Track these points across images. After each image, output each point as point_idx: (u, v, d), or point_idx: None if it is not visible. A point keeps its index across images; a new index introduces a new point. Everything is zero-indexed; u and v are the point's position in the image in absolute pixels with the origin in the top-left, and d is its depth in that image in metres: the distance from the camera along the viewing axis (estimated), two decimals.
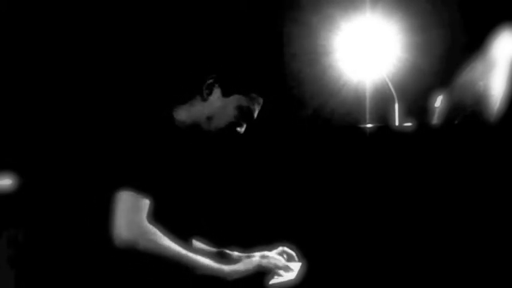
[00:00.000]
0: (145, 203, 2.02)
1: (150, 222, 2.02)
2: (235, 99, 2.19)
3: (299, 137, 3.21)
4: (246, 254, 2.31)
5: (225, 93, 2.18)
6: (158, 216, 2.05)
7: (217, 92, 2.19)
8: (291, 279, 2.18)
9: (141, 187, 2.02)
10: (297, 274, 2.22)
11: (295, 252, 2.33)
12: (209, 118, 2.19)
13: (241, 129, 2.22)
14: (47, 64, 3.97)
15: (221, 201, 3.08)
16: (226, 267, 2.11)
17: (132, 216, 1.99)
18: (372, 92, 8.97)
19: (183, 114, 2.21)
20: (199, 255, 2.09)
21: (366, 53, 8.54)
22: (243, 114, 2.20)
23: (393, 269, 2.78)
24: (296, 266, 2.27)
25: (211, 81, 2.18)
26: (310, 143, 3.13)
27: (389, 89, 8.87)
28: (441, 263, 2.73)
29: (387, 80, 8.86)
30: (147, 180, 2.03)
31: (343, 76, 8.43)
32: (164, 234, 2.03)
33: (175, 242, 2.05)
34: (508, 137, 2.69)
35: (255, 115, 2.25)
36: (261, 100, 2.23)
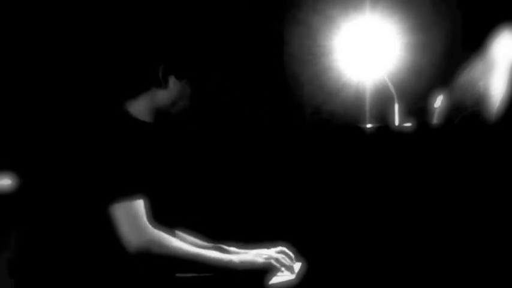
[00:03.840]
0: (142, 205, 2.02)
1: (152, 224, 2.03)
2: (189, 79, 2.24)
3: (299, 136, 3.21)
4: (244, 250, 2.31)
5: (179, 77, 2.24)
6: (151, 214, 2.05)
7: (172, 78, 2.24)
8: (291, 279, 2.18)
9: (132, 193, 2.01)
10: (297, 274, 2.21)
11: (294, 252, 2.33)
12: (173, 103, 2.23)
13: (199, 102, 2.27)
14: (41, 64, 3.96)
15: (221, 199, 3.08)
16: (235, 258, 2.11)
17: (137, 224, 2.00)
18: (372, 92, 8.95)
19: (140, 106, 2.22)
20: (207, 250, 2.09)
21: (366, 53, 8.53)
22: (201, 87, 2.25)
23: (393, 269, 2.78)
24: (296, 266, 2.27)
25: (164, 68, 2.21)
26: (310, 143, 3.13)
27: (390, 89, 8.86)
28: (441, 263, 2.72)
29: (387, 80, 8.85)
30: (133, 183, 2.02)
31: (343, 76, 8.42)
32: (169, 234, 2.04)
33: (177, 238, 2.05)
34: (508, 137, 2.69)
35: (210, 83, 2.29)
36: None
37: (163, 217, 2.15)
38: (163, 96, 2.26)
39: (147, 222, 2.02)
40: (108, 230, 2.01)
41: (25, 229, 3.38)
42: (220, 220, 2.93)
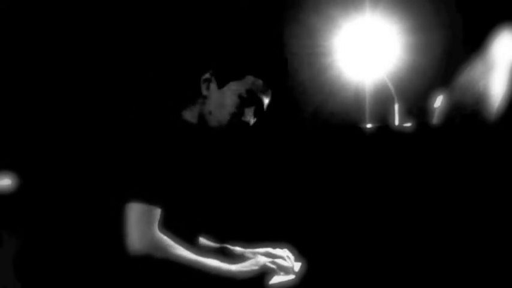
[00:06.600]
0: (156, 212, 2.03)
1: (160, 230, 2.03)
2: (231, 87, 2.17)
3: (299, 136, 3.21)
4: (249, 250, 2.32)
5: (220, 84, 2.17)
6: (166, 220, 2.06)
7: (213, 86, 2.19)
8: (291, 279, 2.18)
9: (151, 198, 2.01)
10: (297, 274, 2.22)
11: (295, 253, 2.33)
12: (210, 113, 2.18)
13: (248, 119, 2.19)
14: (49, 66, 3.97)
15: (223, 199, 3.08)
16: (233, 268, 2.12)
17: (144, 228, 2.00)
18: (372, 92, 8.97)
19: (190, 114, 2.21)
20: (207, 258, 2.10)
21: (366, 53, 8.54)
22: (246, 100, 2.17)
23: (393, 269, 2.78)
24: (296, 266, 2.28)
25: (206, 76, 2.18)
26: (310, 143, 3.13)
27: (390, 89, 8.86)
28: (441, 263, 2.73)
29: (387, 80, 8.85)
30: (157, 190, 2.03)
31: (343, 76, 8.43)
32: (174, 241, 2.04)
33: (184, 247, 2.06)
34: (508, 137, 2.69)
35: (264, 100, 2.20)
36: (259, 82, 2.20)
37: (185, 225, 2.15)
38: (205, 103, 2.22)
39: (155, 229, 2.01)
40: (115, 229, 2.02)
41: (30, 228, 3.38)
42: (226, 221, 2.94)
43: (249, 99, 2.18)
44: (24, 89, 3.84)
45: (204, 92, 2.19)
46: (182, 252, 2.05)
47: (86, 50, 4.07)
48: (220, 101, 2.17)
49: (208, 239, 2.37)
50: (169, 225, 2.06)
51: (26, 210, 3.45)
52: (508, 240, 2.66)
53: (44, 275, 3.28)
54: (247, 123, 2.20)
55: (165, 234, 2.03)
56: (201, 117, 2.20)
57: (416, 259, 2.76)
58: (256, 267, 2.15)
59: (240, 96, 2.17)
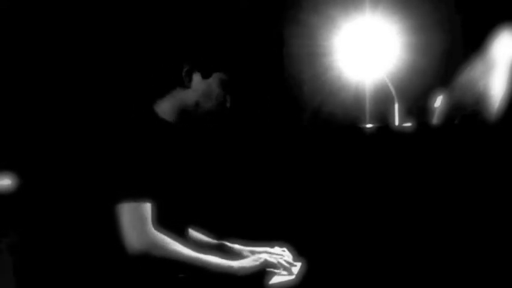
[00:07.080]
0: (148, 209, 2.04)
1: (156, 227, 2.04)
2: (216, 77, 2.23)
3: (299, 136, 3.21)
4: (248, 248, 2.33)
5: (205, 75, 2.22)
6: (158, 215, 2.06)
7: (197, 76, 2.22)
8: (291, 279, 2.18)
9: (141, 195, 2.02)
10: (297, 274, 2.22)
11: (294, 252, 2.34)
12: (197, 103, 2.22)
13: (228, 105, 2.27)
14: (40, 65, 3.95)
15: (222, 197, 3.08)
16: (234, 264, 2.13)
17: (140, 227, 2.01)
18: (372, 92, 8.96)
19: (166, 106, 2.22)
20: (208, 255, 2.10)
21: (366, 53, 8.54)
22: (226, 87, 2.25)
23: (393, 269, 2.78)
24: (296, 266, 2.28)
25: (188, 67, 2.20)
26: (310, 143, 3.13)
27: (390, 89, 8.86)
28: (441, 263, 2.72)
29: (387, 80, 8.85)
30: (145, 186, 2.03)
31: (343, 76, 8.42)
32: (170, 237, 2.05)
33: (181, 243, 2.06)
34: (508, 137, 2.69)
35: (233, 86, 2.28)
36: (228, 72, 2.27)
37: (174, 217, 2.15)
38: (187, 95, 2.23)
39: (150, 226, 2.02)
40: (111, 230, 2.02)
41: (28, 228, 3.38)
42: (225, 218, 2.94)
43: (228, 86, 2.25)
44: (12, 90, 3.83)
45: (187, 84, 2.22)
46: (182, 249, 2.05)
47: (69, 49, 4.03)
48: (209, 90, 2.22)
49: (206, 234, 2.37)
50: (158, 217, 2.06)
51: (25, 210, 3.44)
52: (508, 240, 2.66)
53: (43, 275, 3.28)
54: (229, 109, 2.27)
55: (157, 229, 2.04)
56: (183, 109, 2.22)
57: (416, 259, 2.76)
58: (257, 263, 2.15)
59: (221, 85, 2.23)
